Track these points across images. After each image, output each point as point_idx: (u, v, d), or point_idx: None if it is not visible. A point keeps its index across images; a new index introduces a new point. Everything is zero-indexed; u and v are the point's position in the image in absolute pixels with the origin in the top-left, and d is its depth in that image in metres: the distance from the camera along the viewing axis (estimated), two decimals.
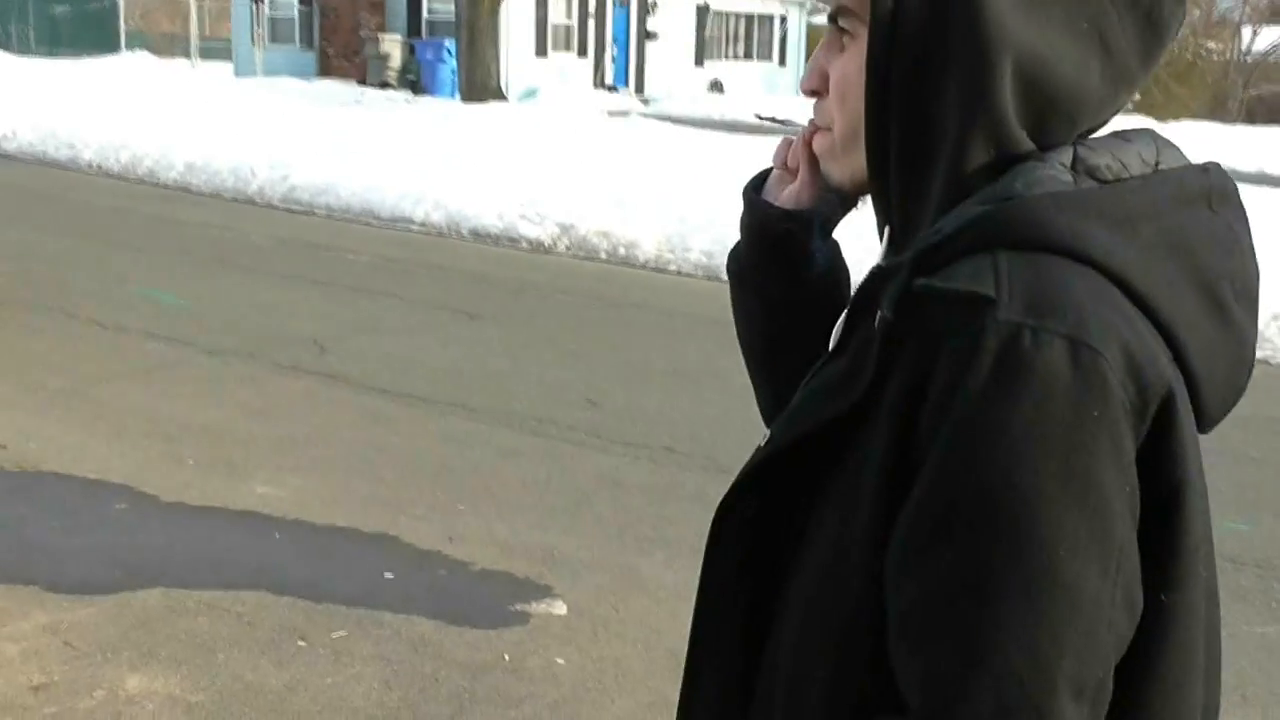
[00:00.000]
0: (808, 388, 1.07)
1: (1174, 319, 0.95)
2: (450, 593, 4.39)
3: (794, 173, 1.24)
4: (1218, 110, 32.51)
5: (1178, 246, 0.98)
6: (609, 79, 31.87)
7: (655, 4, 32.78)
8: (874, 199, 1.10)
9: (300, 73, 28.92)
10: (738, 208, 1.30)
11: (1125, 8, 1.02)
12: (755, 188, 1.28)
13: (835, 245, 1.29)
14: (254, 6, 30.39)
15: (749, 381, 1.38)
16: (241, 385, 6.71)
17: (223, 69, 32.89)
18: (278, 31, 30.95)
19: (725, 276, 1.34)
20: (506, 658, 3.91)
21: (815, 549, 1.02)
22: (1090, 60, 1.01)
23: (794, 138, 1.24)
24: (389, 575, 4.48)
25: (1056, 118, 1.03)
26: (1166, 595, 0.95)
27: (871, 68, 1.04)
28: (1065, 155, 1.01)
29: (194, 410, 6.24)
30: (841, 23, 1.10)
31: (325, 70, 30.30)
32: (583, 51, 31.12)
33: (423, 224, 12.26)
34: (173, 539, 4.72)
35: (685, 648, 1.17)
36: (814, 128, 1.16)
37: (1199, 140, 25.30)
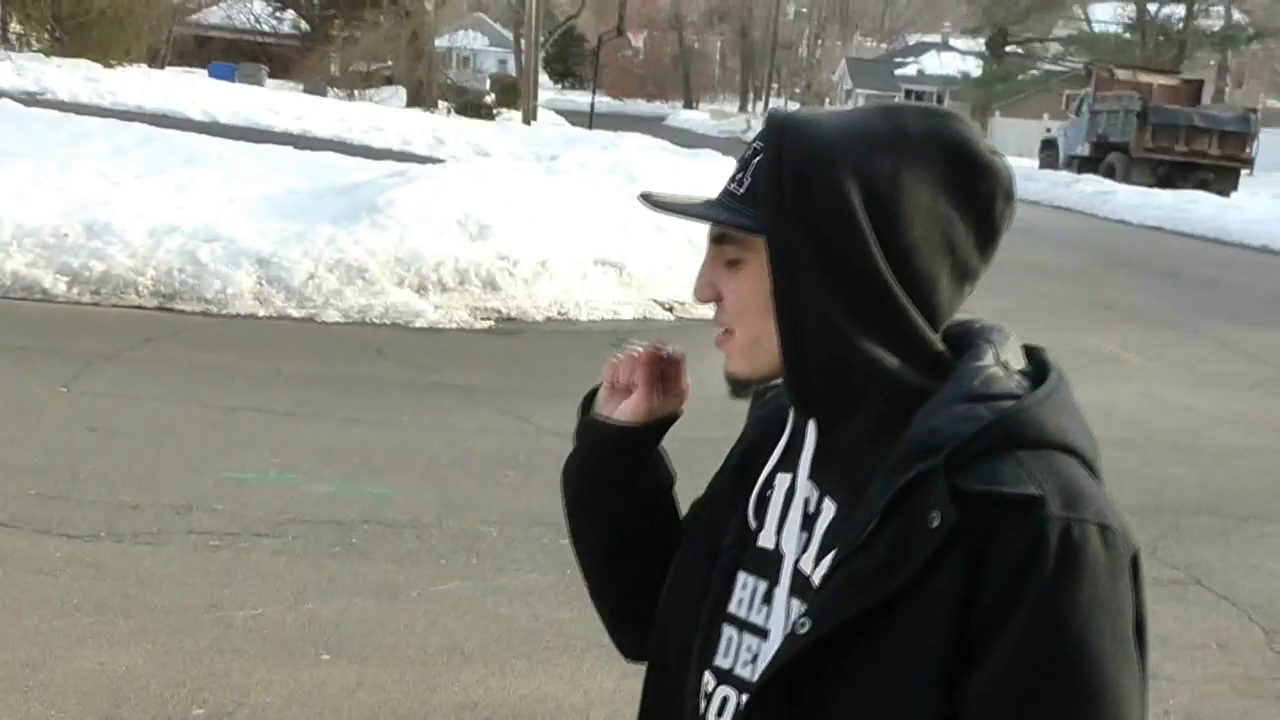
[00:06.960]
0: (837, 579, 1.15)
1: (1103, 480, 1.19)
2: None
3: (625, 390, 1.39)
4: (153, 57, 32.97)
5: (1078, 415, 1.21)
6: None
7: None
8: (793, 397, 1.24)
9: None
10: None
11: (968, 217, 1.19)
12: (584, 407, 1.42)
13: (662, 455, 1.44)
14: None
15: None
16: None
17: None
18: None
19: None
20: None
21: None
22: (941, 266, 1.19)
23: (626, 357, 1.38)
24: None
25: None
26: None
27: (779, 308, 1.18)
28: (989, 353, 1.20)
29: None
30: (727, 250, 1.23)
31: None
32: None
33: None
34: None
35: None
36: (671, 353, 1.38)
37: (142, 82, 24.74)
